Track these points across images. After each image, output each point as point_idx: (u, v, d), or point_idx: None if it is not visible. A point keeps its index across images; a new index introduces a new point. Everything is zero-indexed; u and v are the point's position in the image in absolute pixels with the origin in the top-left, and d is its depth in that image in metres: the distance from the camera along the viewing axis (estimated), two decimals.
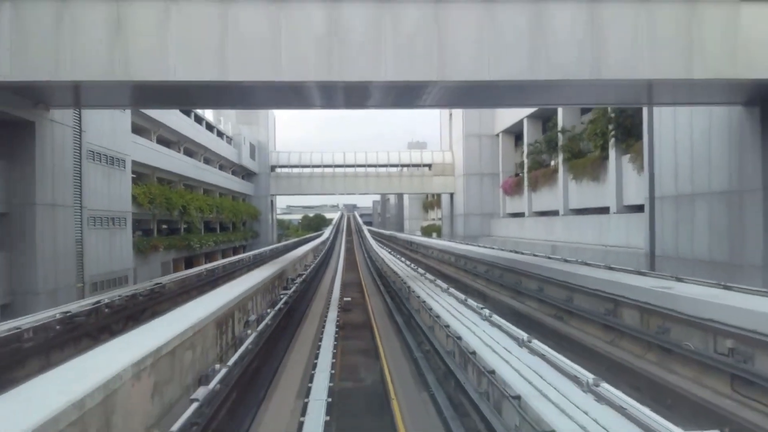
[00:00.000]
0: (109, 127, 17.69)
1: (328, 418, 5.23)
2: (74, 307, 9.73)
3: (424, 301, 10.07)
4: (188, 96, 13.40)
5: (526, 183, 33.28)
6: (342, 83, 10.67)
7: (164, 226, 27.81)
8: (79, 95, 12.22)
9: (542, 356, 5.48)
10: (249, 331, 7.88)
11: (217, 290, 9.32)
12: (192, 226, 29.94)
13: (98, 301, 10.43)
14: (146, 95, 13.23)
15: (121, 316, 11.16)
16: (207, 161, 35.78)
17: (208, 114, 35.62)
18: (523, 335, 6.33)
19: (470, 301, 9.43)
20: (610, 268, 12.55)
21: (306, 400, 5.71)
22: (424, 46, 10.19)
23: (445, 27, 10.24)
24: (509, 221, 37.10)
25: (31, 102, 12.02)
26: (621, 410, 3.93)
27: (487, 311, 8.18)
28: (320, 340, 9.03)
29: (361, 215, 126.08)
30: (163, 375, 4.68)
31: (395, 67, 10.18)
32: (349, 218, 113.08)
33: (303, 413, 5.33)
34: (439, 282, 13.06)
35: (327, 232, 66.17)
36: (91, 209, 15.68)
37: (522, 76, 10.45)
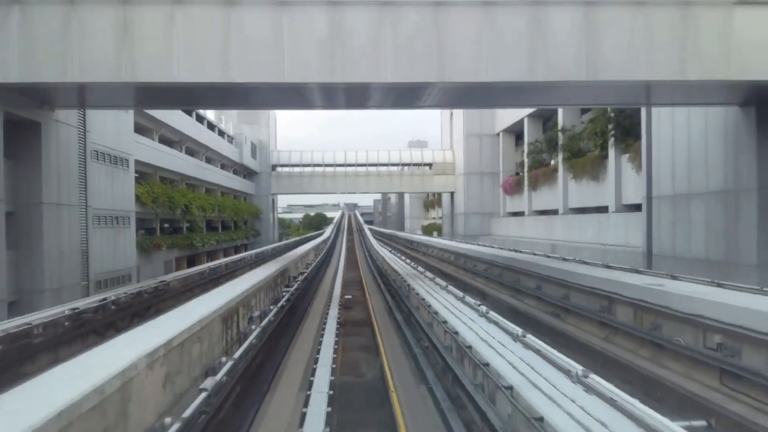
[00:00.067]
0: (113, 127, 17.90)
1: (329, 409, 5.46)
2: (82, 303, 9.97)
3: (423, 299, 10.29)
4: (192, 97, 13.63)
5: (526, 182, 33.47)
6: (343, 85, 10.89)
7: (166, 225, 28.05)
8: (84, 96, 12.44)
9: (535, 350, 5.71)
10: (253, 327, 8.12)
11: (222, 287, 9.56)
12: (194, 225, 30.19)
13: (105, 298, 10.67)
14: (150, 96, 13.46)
15: (127, 313, 11.39)
16: (209, 160, 36.02)
17: (210, 113, 35.83)
18: (518, 330, 6.55)
19: (468, 298, 9.64)
20: (608, 267, 12.75)
21: (308, 393, 5.95)
22: (423, 48, 10.41)
23: (445, 30, 10.45)
24: (509, 220, 37.29)
25: (37, 103, 12.23)
26: (607, 399, 4.15)
27: (484, 308, 8.40)
28: (321, 336, 9.26)
29: (362, 214, 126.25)
30: (174, 366, 4.92)
31: (395, 69, 10.40)
32: (350, 217, 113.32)
33: (305, 404, 5.57)
34: (438, 280, 13.27)
35: (328, 231, 66.41)
36: (96, 208, 15.90)
37: (521, 77, 10.66)
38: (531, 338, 6.18)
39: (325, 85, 10.92)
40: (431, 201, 65.06)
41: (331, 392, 6.01)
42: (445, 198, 48.60)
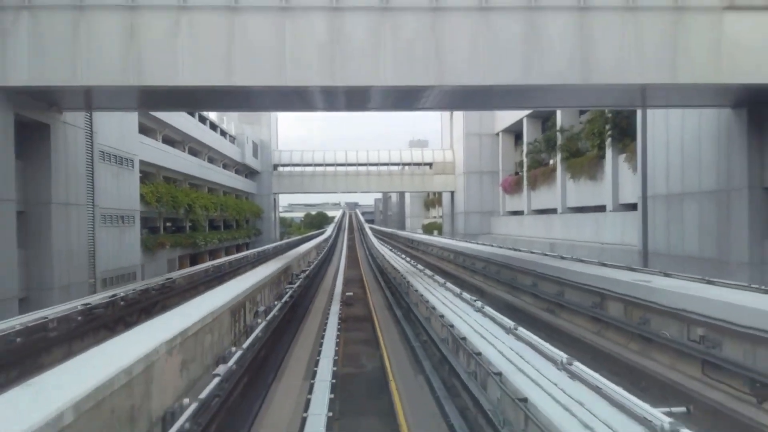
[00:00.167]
0: (118, 129, 18.23)
1: (332, 396, 5.83)
2: (93, 299, 10.35)
3: (422, 295, 10.64)
4: (195, 99, 13.97)
5: (525, 181, 33.77)
6: (343, 88, 11.19)
7: (168, 224, 28.39)
8: (92, 99, 12.76)
9: (525, 341, 6.06)
10: (259, 321, 8.49)
11: (229, 283, 9.93)
12: (197, 224, 30.54)
13: (114, 295, 11.03)
14: (155, 99, 13.80)
15: (135, 309, 11.76)
16: (211, 160, 36.37)
17: (212, 114, 36.17)
18: (510, 323, 6.90)
19: (465, 294, 10.00)
20: (603, 265, 13.09)
21: (312, 382, 6.32)
22: (422, 52, 10.70)
23: (442, 34, 10.75)
24: (509, 219, 37.63)
25: (45, 105, 12.55)
26: (589, 384, 4.50)
27: (479, 303, 8.76)
28: (324, 331, 9.63)
29: (363, 213, 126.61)
30: (189, 354, 5.30)
31: (394, 73, 10.70)
32: (350, 216, 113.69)
33: (310, 392, 5.94)
34: (437, 277, 13.63)
35: (329, 230, 66.75)
36: (102, 208, 16.22)
37: (516, 80, 10.94)
38: (522, 330, 6.54)
39: (325, 88, 11.23)
40: (432, 200, 65.37)
41: (334, 381, 6.37)
42: (446, 197, 48.93)
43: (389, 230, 68.98)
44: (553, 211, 29.28)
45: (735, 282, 9.48)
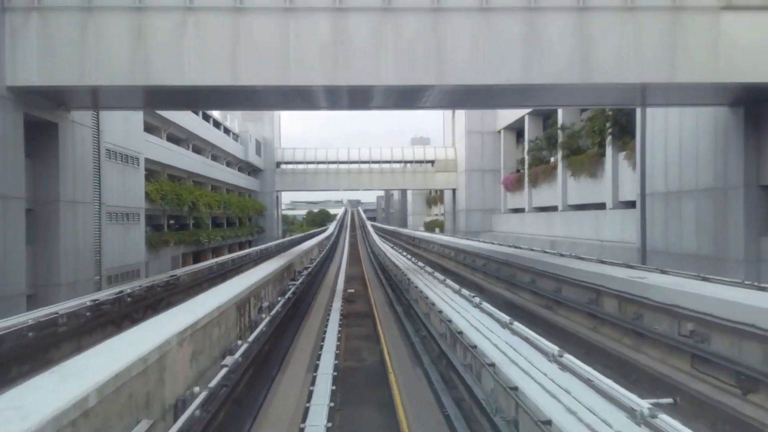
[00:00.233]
0: (124, 127, 18.44)
1: (334, 387, 6.08)
2: (101, 295, 10.62)
3: (422, 291, 10.87)
4: (201, 98, 14.20)
5: (526, 179, 33.91)
6: (346, 87, 11.41)
7: (172, 222, 28.66)
8: (99, 98, 12.99)
9: (519, 335, 6.29)
10: (263, 316, 8.74)
11: (233, 280, 10.19)
12: (200, 221, 30.80)
13: (121, 291, 11.30)
14: (161, 98, 14.04)
15: (141, 305, 12.02)
16: (215, 158, 36.64)
17: (216, 112, 36.43)
18: (506, 318, 7.13)
19: (464, 291, 10.23)
20: (601, 262, 13.29)
21: (314, 374, 6.58)
22: (423, 52, 10.88)
23: (444, 35, 10.92)
24: (510, 217, 37.81)
25: (54, 104, 12.78)
26: (578, 375, 4.73)
27: (477, 299, 8.99)
28: (326, 326, 9.88)
29: (365, 211, 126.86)
30: (198, 346, 5.56)
31: (396, 72, 10.88)
32: (353, 214, 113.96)
33: (312, 383, 6.20)
34: (437, 274, 13.86)
35: (331, 228, 67.05)
36: (108, 206, 16.44)
37: (517, 80, 11.10)
38: (518, 325, 6.76)
39: (328, 88, 11.45)
40: (434, 198, 65.56)
41: (335, 374, 6.62)
42: (447, 195, 49.11)
43: (391, 228, 69.23)
44: (554, 208, 29.44)
45: (731, 279, 9.67)
